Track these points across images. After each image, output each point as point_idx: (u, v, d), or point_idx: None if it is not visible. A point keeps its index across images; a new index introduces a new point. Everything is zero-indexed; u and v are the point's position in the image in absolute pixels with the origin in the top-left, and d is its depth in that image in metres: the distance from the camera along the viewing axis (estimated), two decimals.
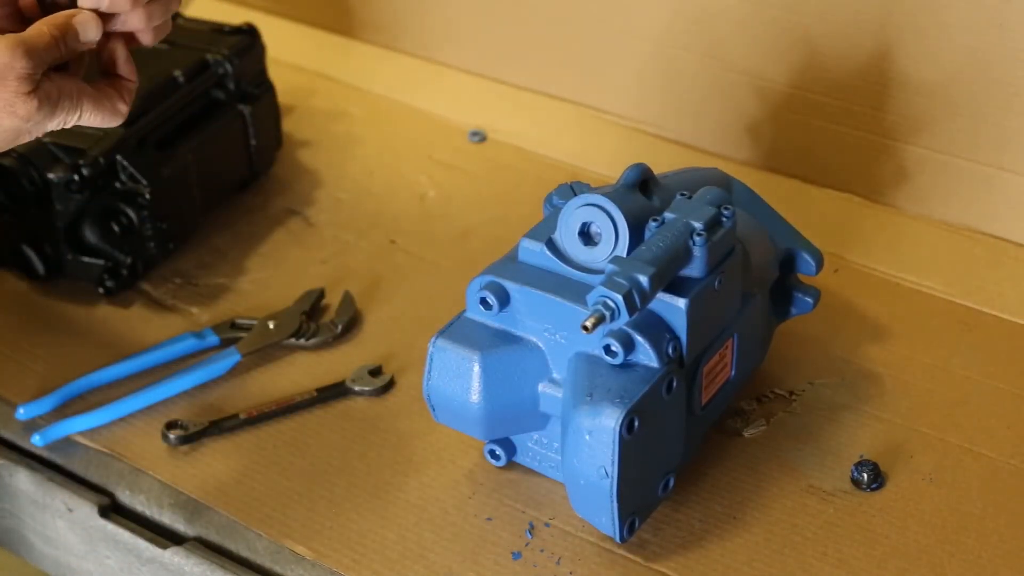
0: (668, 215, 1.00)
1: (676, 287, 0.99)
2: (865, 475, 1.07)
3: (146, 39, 1.00)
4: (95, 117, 0.97)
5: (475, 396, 1.03)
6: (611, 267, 0.96)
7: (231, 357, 1.19)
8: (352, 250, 1.33)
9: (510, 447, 1.08)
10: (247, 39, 1.38)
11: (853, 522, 1.05)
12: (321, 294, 1.26)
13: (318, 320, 1.24)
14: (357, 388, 1.17)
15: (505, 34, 1.51)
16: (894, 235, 1.32)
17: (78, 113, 0.96)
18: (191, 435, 1.13)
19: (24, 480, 1.13)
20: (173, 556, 1.07)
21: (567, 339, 1.02)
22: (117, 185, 1.25)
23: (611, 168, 1.19)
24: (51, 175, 1.23)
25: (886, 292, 1.27)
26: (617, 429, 0.95)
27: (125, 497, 1.12)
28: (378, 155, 1.45)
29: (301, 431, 1.14)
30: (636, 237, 1.00)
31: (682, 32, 1.40)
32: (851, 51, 1.32)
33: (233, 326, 1.23)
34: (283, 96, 1.42)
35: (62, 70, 0.96)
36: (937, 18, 1.26)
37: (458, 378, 1.03)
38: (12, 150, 1.23)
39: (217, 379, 1.18)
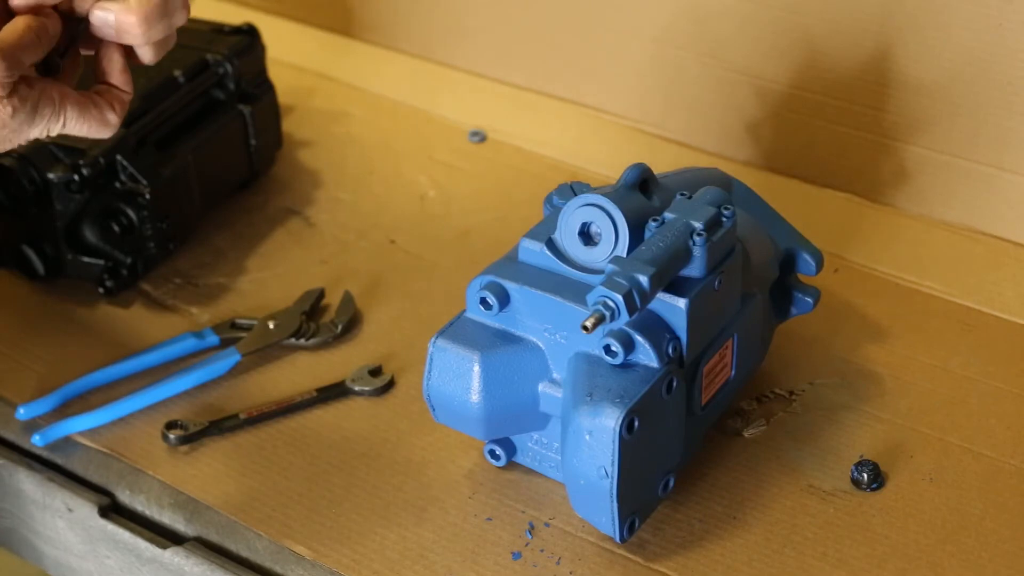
0: (668, 215, 1.00)
1: (676, 287, 0.99)
2: (865, 475, 1.07)
3: (146, 56, 0.96)
4: (81, 126, 0.92)
5: (475, 396, 1.03)
6: (611, 267, 0.96)
7: (231, 357, 1.19)
8: (352, 250, 1.33)
9: (510, 447, 1.08)
10: (247, 39, 1.38)
11: (853, 522, 1.05)
12: (321, 294, 1.26)
13: (318, 320, 1.24)
14: (357, 388, 1.17)
15: (505, 34, 1.51)
16: (894, 235, 1.32)
17: (61, 121, 0.91)
18: (191, 435, 1.13)
19: (24, 480, 1.13)
20: (173, 556, 1.07)
21: (567, 339, 1.02)
22: (117, 185, 1.25)
23: (611, 168, 1.19)
24: (51, 175, 1.23)
25: (886, 292, 1.27)
26: (617, 429, 0.95)
27: (125, 497, 1.12)
28: (378, 155, 1.45)
29: (301, 431, 1.14)
30: (636, 237, 1.00)
31: (682, 32, 1.40)
32: (851, 51, 1.32)
33: (233, 326, 1.23)
34: (283, 96, 1.42)
35: (52, 75, 0.93)
36: (937, 18, 1.26)
37: (458, 378, 1.03)
38: (12, 150, 1.23)
39: (217, 379, 1.18)
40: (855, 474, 1.08)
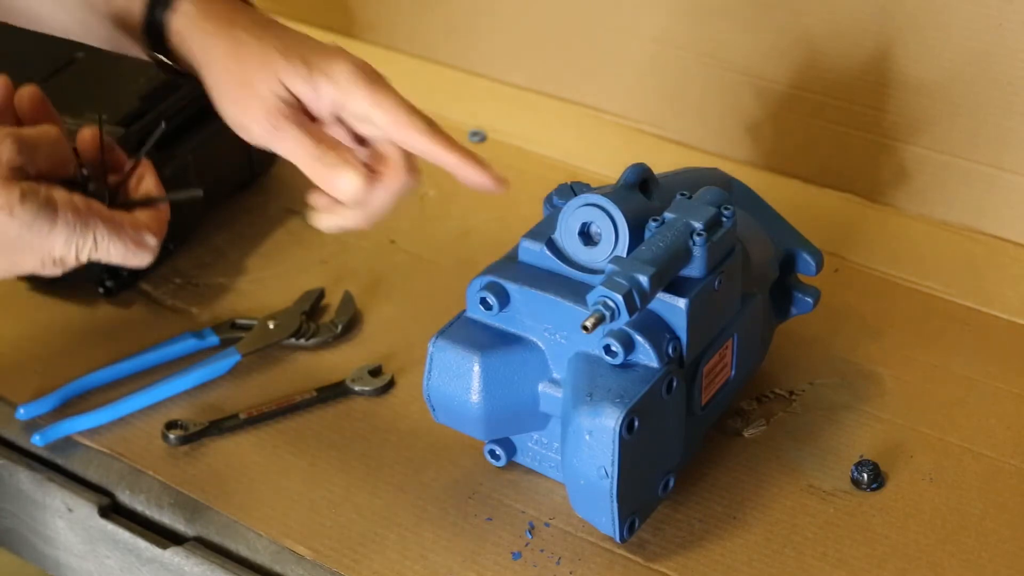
0: (668, 215, 1.00)
1: (676, 287, 0.99)
2: (865, 475, 1.07)
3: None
4: (115, 246, 0.86)
5: (475, 396, 1.03)
6: (611, 267, 0.96)
7: (231, 357, 1.19)
8: (352, 250, 1.33)
9: (510, 447, 1.08)
10: None
11: (853, 522, 1.05)
12: (321, 294, 1.26)
13: (318, 320, 1.24)
14: (357, 388, 1.17)
15: (505, 34, 1.51)
16: (894, 235, 1.32)
17: (91, 236, 0.85)
18: (191, 435, 1.13)
19: (24, 480, 1.13)
20: (173, 556, 1.07)
21: (567, 339, 1.02)
22: None
23: (611, 168, 1.19)
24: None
25: (886, 292, 1.27)
26: (617, 429, 0.95)
27: (125, 497, 1.12)
28: None
29: (301, 431, 1.14)
30: (636, 237, 1.00)
31: (682, 32, 1.40)
32: (851, 51, 1.32)
33: (233, 326, 1.23)
34: None
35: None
36: (937, 18, 1.26)
37: (458, 378, 1.03)
38: None
39: (217, 379, 1.18)
40: (855, 474, 1.08)
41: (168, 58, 0.99)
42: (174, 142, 1.30)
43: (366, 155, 0.96)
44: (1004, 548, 1.03)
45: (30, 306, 1.27)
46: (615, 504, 0.98)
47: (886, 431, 1.12)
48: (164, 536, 1.09)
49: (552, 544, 1.05)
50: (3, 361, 1.22)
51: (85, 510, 1.11)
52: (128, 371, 1.19)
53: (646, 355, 0.98)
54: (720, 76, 1.40)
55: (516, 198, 1.38)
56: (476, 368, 1.03)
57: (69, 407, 1.16)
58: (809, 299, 1.15)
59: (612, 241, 1.00)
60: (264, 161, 1.40)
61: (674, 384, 0.99)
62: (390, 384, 1.18)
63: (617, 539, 1.01)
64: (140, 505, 1.11)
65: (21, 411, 1.15)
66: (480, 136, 1.46)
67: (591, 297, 0.95)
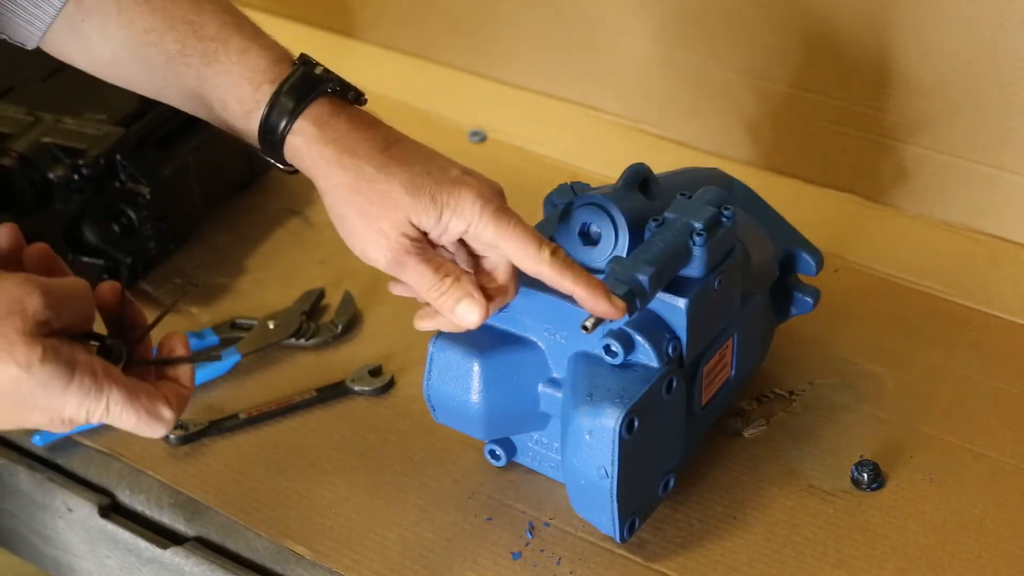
0: (668, 215, 1.00)
1: (676, 287, 0.99)
2: (865, 475, 1.07)
3: None
4: (128, 415, 0.83)
5: (475, 396, 1.03)
6: (611, 267, 0.96)
7: (231, 357, 1.19)
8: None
9: (510, 447, 1.08)
10: None
11: (853, 522, 1.05)
12: (321, 294, 1.26)
13: (318, 320, 1.24)
14: (357, 388, 1.17)
15: (505, 34, 1.51)
16: (894, 235, 1.32)
17: (104, 400, 0.82)
18: (191, 435, 1.13)
19: (24, 480, 1.13)
20: (173, 556, 1.07)
21: (567, 339, 1.02)
22: (117, 185, 1.25)
23: (611, 168, 1.19)
24: (51, 175, 1.23)
25: (886, 292, 1.27)
26: (617, 429, 0.95)
27: (125, 497, 1.12)
28: None
29: (301, 431, 1.14)
30: (636, 237, 1.00)
31: (682, 32, 1.40)
32: (851, 51, 1.32)
33: (233, 326, 1.23)
34: None
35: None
36: (937, 18, 1.26)
37: (458, 378, 1.03)
38: (11, 149, 1.23)
39: (217, 379, 1.18)
40: (855, 474, 1.08)
41: (282, 163, 0.99)
42: (174, 142, 1.30)
43: (467, 262, 0.97)
44: (1004, 548, 1.03)
45: None
46: (615, 504, 0.98)
47: (886, 431, 1.12)
48: (164, 536, 1.09)
49: (552, 544, 1.05)
50: None
51: (85, 510, 1.11)
52: None
53: (646, 355, 0.98)
54: (720, 76, 1.40)
55: (516, 198, 1.38)
56: (476, 368, 1.03)
57: None
58: (809, 299, 1.15)
59: (612, 241, 1.00)
60: (264, 161, 1.39)
61: (674, 384, 0.99)
62: (390, 384, 1.18)
63: (617, 539, 1.01)
64: (140, 505, 1.11)
65: None
66: (480, 136, 1.46)
67: None
